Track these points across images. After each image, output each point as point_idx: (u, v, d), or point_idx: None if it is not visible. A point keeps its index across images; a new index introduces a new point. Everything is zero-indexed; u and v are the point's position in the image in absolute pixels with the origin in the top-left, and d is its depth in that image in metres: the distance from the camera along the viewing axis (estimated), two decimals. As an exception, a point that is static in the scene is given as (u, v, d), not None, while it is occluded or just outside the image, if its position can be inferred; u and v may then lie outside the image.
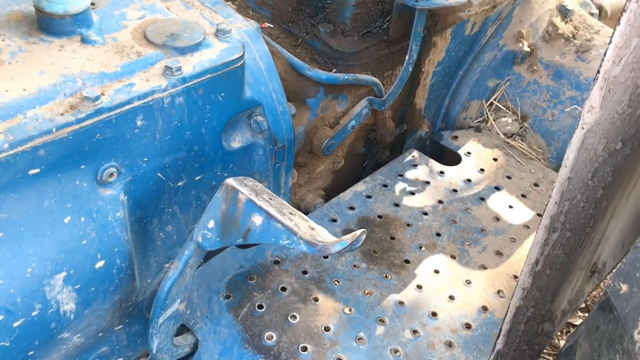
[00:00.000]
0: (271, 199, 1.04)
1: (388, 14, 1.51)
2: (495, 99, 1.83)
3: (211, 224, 1.05)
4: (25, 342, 1.04)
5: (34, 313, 1.03)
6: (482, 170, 1.69)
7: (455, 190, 1.62)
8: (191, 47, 1.15)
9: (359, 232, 0.99)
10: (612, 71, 0.87)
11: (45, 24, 1.11)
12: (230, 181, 1.04)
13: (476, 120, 1.84)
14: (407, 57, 1.49)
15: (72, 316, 1.10)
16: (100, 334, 1.26)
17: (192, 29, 1.18)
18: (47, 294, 1.04)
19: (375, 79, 1.51)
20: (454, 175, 1.67)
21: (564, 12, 1.87)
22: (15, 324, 1.01)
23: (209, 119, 1.19)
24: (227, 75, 1.18)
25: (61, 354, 1.19)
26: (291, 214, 1.02)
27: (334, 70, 1.47)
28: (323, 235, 1.00)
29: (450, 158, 1.77)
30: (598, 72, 0.86)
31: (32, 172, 0.98)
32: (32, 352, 1.07)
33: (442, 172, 1.67)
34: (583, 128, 0.89)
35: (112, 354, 1.36)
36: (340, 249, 0.97)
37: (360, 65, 1.50)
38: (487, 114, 1.83)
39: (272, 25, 1.53)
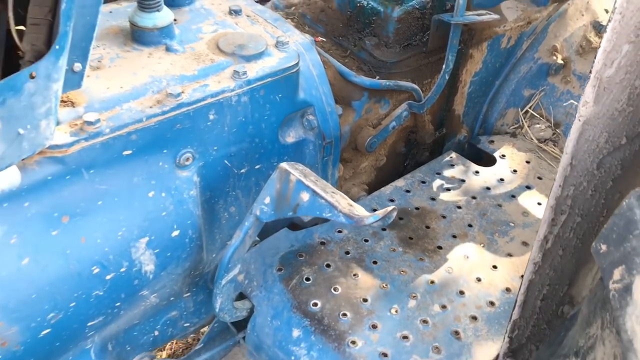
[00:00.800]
0: (317, 180, 1.24)
1: (427, 29, 1.70)
2: (530, 107, 1.98)
3: (267, 200, 1.26)
4: (114, 294, 1.27)
5: (122, 270, 1.26)
6: (514, 171, 1.84)
7: (488, 188, 1.78)
8: (255, 56, 1.37)
9: (389, 208, 1.17)
10: (605, 72, 1.02)
11: (137, 36, 1.36)
12: (284, 165, 1.25)
13: (512, 127, 1.99)
14: (444, 67, 1.67)
15: (151, 276, 1.33)
16: (171, 298, 1.48)
17: (256, 41, 1.41)
18: (133, 254, 1.26)
19: (415, 85, 1.70)
20: (488, 174, 1.82)
21: (598, 28, 2.01)
22: (108, 277, 1.24)
23: (268, 116, 1.41)
24: (284, 79, 1.40)
25: (140, 311, 1.41)
26: (333, 192, 1.22)
27: (377, 77, 1.67)
28: (359, 210, 1.19)
29: (487, 162, 1.92)
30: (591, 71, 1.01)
31: (125, 153, 1.21)
32: (118, 304, 1.30)
33: (477, 172, 1.83)
34: (579, 120, 1.05)
35: (180, 319, 1.59)
36: (373, 221, 1.16)
37: (401, 74, 1.69)
38: (522, 121, 1.97)
39: (325, 39, 1.75)
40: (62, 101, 1.18)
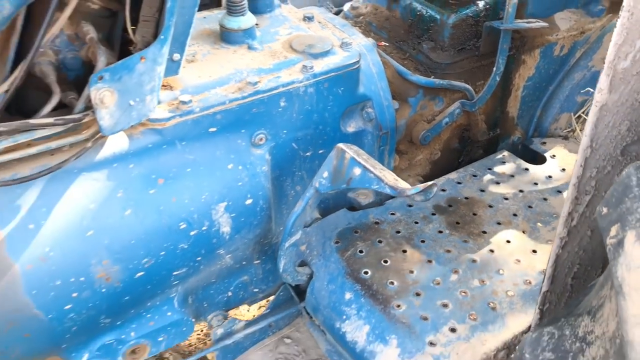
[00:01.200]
0: (368, 159, 1.44)
1: (480, 35, 1.87)
2: (583, 112, 2.09)
3: (325, 174, 1.48)
4: (196, 248, 1.51)
5: (204, 228, 1.50)
6: (563, 169, 1.96)
7: (536, 183, 1.90)
8: (322, 54, 1.60)
9: (430, 183, 1.35)
10: (620, 64, 1.16)
11: (225, 36, 1.62)
12: (341, 145, 1.46)
13: (565, 130, 2.10)
14: (494, 69, 1.84)
15: (227, 237, 1.56)
16: (243, 262, 1.72)
17: (324, 42, 1.64)
18: (213, 216, 1.51)
19: (467, 85, 1.87)
20: (537, 171, 1.95)
21: (654, 38, 2.09)
22: (192, 233, 1.48)
23: (331, 107, 1.63)
24: (346, 74, 1.61)
25: (216, 270, 1.65)
26: (382, 169, 1.42)
27: (432, 77, 1.86)
28: (403, 184, 1.38)
29: (540, 164, 2.05)
30: (606, 60, 1.16)
31: (211, 129, 1.47)
32: (199, 259, 1.54)
33: (526, 169, 1.96)
34: (596, 106, 1.19)
35: (251, 284, 1.82)
36: (414, 192, 1.34)
37: (454, 74, 1.87)
38: (574, 125, 2.09)
39: (387, 44, 1.96)
40: (163, 85, 1.45)
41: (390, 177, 1.38)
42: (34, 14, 1.18)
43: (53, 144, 1.25)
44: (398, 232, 1.73)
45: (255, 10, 1.70)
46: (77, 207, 1.32)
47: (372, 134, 1.74)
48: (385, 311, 1.52)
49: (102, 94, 1.18)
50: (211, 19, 1.73)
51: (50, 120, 1.22)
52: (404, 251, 1.67)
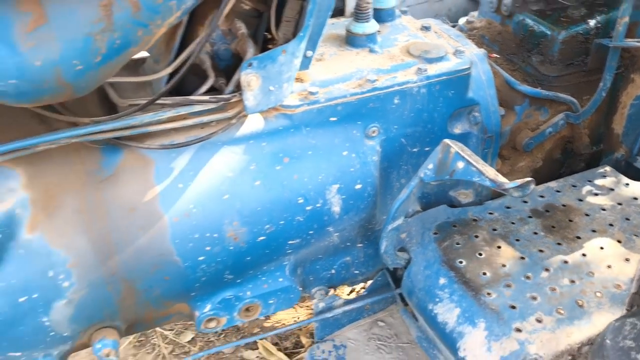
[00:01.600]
0: (471, 155, 1.59)
1: (589, 51, 1.96)
2: (692, 134, 2.10)
3: (430, 166, 1.64)
4: (309, 222, 1.71)
5: (317, 205, 1.70)
6: (666, 188, 1.99)
7: (636, 198, 1.95)
8: (436, 59, 1.77)
9: (528, 178, 1.48)
10: None
11: (350, 40, 1.83)
12: (447, 140, 1.62)
13: (672, 151, 2.12)
14: (600, 84, 1.92)
15: (336, 216, 1.76)
16: (348, 243, 1.90)
17: (438, 48, 1.80)
18: (326, 195, 1.70)
19: (572, 98, 1.96)
20: (638, 187, 2.00)
21: None
22: (307, 208, 1.69)
23: (440, 107, 1.79)
24: (456, 79, 1.77)
25: (323, 246, 1.84)
26: (483, 165, 1.56)
27: (539, 88, 1.97)
28: (502, 179, 1.51)
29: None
30: None
31: (332, 119, 1.67)
32: (311, 232, 1.74)
33: (627, 184, 2.01)
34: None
35: (352, 265, 2.00)
36: (512, 186, 1.47)
37: (561, 87, 1.97)
38: (683, 145, 2.10)
39: (498, 56, 2.09)
40: (295, 78, 1.67)
41: (491, 172, 1.52)
42: (196, 10, 1.44)
43: (205, 119, 1.51)
44: (494, 229, 1.85)
45: (378, 18, 1.90)
46: (218, 174, 1.56)
47: (477, 137, 1.88)
48: (476, 297, 1.65)
49: (250, 78, 1.42)
50: (339, 25, 1.94)
51: (206, 98, 1.47)
52: (499, 247, 1.79)
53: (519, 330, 1.56)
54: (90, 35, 1.09)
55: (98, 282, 1.48)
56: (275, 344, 3.00)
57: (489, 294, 1.65)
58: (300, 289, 1.85)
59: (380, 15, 1.93)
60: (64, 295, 1.46)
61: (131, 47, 1.18)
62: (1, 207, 1.35)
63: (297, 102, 1.61)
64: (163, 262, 1.54)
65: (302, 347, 2.99)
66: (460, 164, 1.57)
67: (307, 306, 3.23)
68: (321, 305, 1.98)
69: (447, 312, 1.67)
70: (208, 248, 1.58)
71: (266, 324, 3.13)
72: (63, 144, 1.38)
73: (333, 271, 1.95)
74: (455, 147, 1.59)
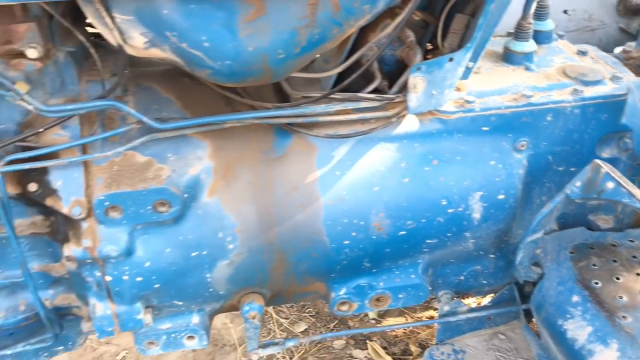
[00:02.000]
0: (621, 177, 1.61)
1: None
2: None
3: (578, 184, 1.67)
4: (449, 225, 1.80)
5: (459, 209, 1.79)
6: None
7: None
8: (592, 82, 1.80)
9: (680, 204, 1.48)
10: None
11: (507, 57, 1.91)
12: (597, 160, 1.65)
13: None
14: None
15: (475, 223, 1.83)
16: (481, 252, 1.96)
17: (595, 72, 1.84)
18: (469, 201, 1.78)
19: None
20: None
21: None
22: (449, 211, 1.78)
23: (592, 130, 1.82)
24: (612, 104, 1.79)
25: (457, 251, 1.92)
26: (634, 187, 1.57)
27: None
28: (654, 202, 1.53)
29: None
30: None
31: (484, 128, 1.76)
32: (449, 235, 1.83)
33: None
34: None
35: (481, 275, 2.05)
36: (663, 210, 1.49)
37: None
38: None
39: (654, 87, 2.08)
40: (453, 87, 1.79)
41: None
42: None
43: (368, 115, 1.65)
44: (634, 257, 1.84)
45: (536, 40, 1.97)
46: (371, 167, 1.70)
47: (626, 163, 1.88)
48: (611, 319, 1.65)
49: (417, 81, 1.55)
50: (495, 43, 2.03)
51: (372, 96, 1.62)
52: (638, 274, 1.78)
53: (653, 356, 1.55)
54: (296, 29, 1.27)
55: (257, 249, 1.66)
56: (384, 348, 3.09)
57: (624, 317, 1.65)
58: (430, 288, 1.94)
59: (538, 37, 1.99)
60: (227, 257, 1.65)
61: (325, 43, 1.34)
62: (191, 171, 1.57)
63: (453, 108, 1.72)
64: (314, 239, 1.70)
65: (411, 354, 3.05)
66: (610, 184, 1.60)
67: (418, 317, 3.29)
68: (446, 308, 2.05)
69: (578, 329, 1.69)
70: (354, 234, 1.72)
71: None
72: (247, 124, 1.58)
73: (462, 277, 2.02)
74: (606, 167, 1.63)
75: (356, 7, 1.29)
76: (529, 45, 1.88)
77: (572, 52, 1.99)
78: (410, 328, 3.15)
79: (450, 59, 1.57)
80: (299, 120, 1.60)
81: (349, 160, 1.69)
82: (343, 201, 1.68)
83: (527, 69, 1.88)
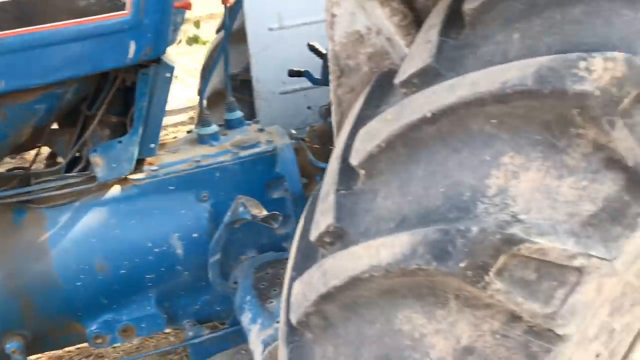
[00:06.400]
0: (248, 200, 2.33)
1: None
2: None
3: (229, 214, 2.38)
4: (160, 261, 2.45)
5: (164, 248, 2.46)
6: None
7: None
8: (248, 146, 2.57)
9: (273, 212, 2.20)
10: None
11: (199, 139, 2.69)
12: (239, 196, 2.38)
13: None
14: None
15: (181, 257, 2.49)
16: (202, 283, 2.61)
17: (254, 140, 2.61)
18: (170, 240, 2.47)
19: None
20: None
21: None
22: (156, 250, 2.45)
23: (255, 179, 2.55)
24: (264, 158, 2.55)
25: (181, 283, 2.55)
26: (252, 205, 2.29)
27: None
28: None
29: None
30: None
31: (170, 187, 2.49)
32: (163, 269, 2.48)
33: None
34: None
35: (214, 302, 2.67)
36: (261, 217, 2.19)
37: None
38: None
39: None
40: (148, 162, 2.54)
41: (254, 210, 2.25)
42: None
43: (77, 188, 2.39)
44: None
45: (228, 126, 2.76)
46: (88, 224, 2.40)
47: (290, 200, 2.60)
48: (263, 306, 2.29)
49: (96, 160, 2.30)
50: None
51: (71, 174, 2.37)
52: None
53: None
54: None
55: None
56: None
57: (271, 302, 2.29)
58: (165, 316, 2.54)
59: (230, 124, 2.79)
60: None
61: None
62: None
63: (143, 176, 2.45)
64: (51, 282, 2.34)
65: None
66: (242, 208, 2.32)
67: None
68: (190, 333, 2.63)
69: (245, 318, 2.32)
70: (82, 276, 2.37)
71: None
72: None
73: (197, 307, 2.61)
74: (243, 199, 2.35)
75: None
76: (211, 129, 2.67)
77: (253, 130, 2.78)
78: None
79: (120, 142, 2.34)
80: (23, 198, 2.32)
81: (72, 221, 2.38)
82: (69, 252, 2.36)
83: (211, 145, 2.65)
